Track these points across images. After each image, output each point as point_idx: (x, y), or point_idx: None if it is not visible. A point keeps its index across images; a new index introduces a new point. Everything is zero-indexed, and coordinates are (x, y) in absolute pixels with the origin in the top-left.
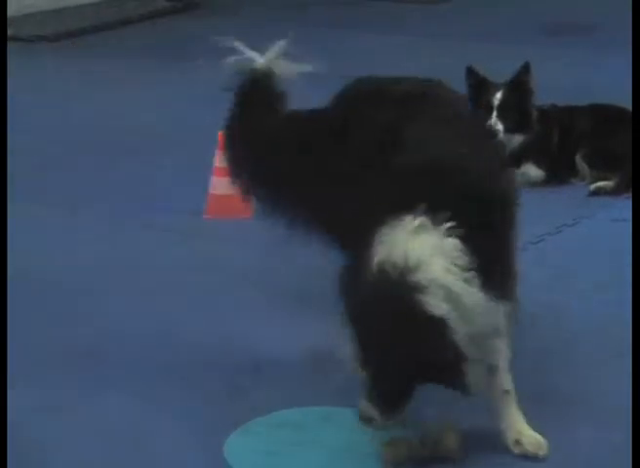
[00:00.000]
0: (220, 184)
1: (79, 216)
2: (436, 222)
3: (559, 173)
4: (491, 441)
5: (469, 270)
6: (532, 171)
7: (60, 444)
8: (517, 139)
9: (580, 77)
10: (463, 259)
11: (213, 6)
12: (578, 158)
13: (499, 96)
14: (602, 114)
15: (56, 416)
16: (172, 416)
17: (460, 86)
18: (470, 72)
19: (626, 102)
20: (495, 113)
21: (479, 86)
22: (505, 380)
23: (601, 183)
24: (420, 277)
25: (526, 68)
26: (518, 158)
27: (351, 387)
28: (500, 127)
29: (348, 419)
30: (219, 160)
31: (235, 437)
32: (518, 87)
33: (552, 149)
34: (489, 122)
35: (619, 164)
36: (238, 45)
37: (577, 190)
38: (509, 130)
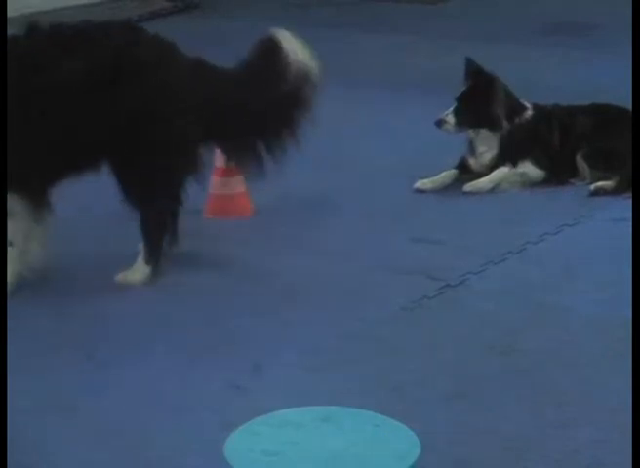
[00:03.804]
0: (221, 184)
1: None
2: None
3: (559, 173)
4: (491, 440)
5: None
6: (532, 171)
7: (60, 444)
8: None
9: (579, 77)
10: None
11: (213, 6)
12: (578, 158)
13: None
14: (602, 114)
15: (56, 416)
16: (172, 416)
17: (459, 87)
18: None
19: (626, 102)
20: None
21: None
22: None
23: (601, 183)
24: None
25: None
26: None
27: (351, 387)
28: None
29: (348, 419)
30: (219, 160)
31: (235, 437)
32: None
33: (552, 149)
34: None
35: (619, 164)
36: None
37: (577, 190)
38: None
